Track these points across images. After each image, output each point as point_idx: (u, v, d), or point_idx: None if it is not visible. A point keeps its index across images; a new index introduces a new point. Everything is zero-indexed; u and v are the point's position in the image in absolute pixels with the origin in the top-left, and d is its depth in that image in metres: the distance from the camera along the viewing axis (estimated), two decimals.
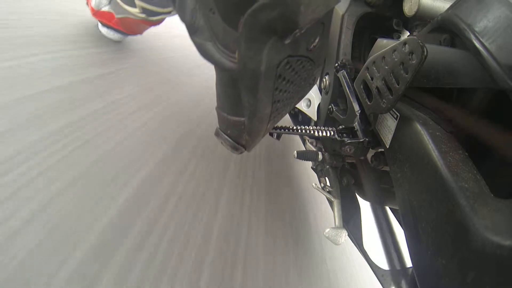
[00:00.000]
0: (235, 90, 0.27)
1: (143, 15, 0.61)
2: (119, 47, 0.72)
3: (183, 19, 0.28)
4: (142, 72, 0.70)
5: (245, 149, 0.32)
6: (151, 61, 0.78)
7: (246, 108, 0.27)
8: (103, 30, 0.69)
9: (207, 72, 0.92)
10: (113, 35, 0.70)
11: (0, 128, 0.36)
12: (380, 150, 0.40)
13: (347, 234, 0.47)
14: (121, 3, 0.61)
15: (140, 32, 0.72)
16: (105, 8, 0.63)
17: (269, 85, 0.26)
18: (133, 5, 0.60)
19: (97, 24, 0.70)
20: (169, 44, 0.97)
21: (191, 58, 0.95)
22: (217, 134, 0.33)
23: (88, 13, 0.66)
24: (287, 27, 0.22)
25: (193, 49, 0.28)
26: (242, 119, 0.29)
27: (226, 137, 0.32)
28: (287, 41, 0.23)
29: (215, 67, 0.29)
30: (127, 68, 0.67)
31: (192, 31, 0.28)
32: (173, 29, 1.00)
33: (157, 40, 0.91)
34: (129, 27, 0.67)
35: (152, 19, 0.63)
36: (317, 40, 0.27)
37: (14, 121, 0.38)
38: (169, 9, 0.62)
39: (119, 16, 0.63)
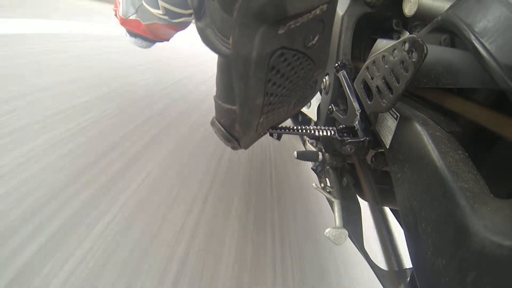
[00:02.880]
0: (230, 77, 0.28)
1: (166, 17, 0.61)
2: None
3: (192, 5, 0.29)
4: None
5: (239, 144, 0.32)
6: None
7: (238, 96, 0.27)
8: (131, 40, 0.70)
9: None
10: (141, 43, 0.70)
11: None
12: (380, 150, 0.40)
13: (347, 234, 0.47)
14: (146, 6, 0.61)
15: (167, 38, 0.72)
16: (132, 17, 0.64)
17: (261, 75, 0.26)
18: (156, 7, 0.60)
19: (125, 34, 0.70)
20: None
21: None
22: (212, 123, 0.34)
23: None
24: (277, 13, 0.22)
25: None
26: (234, 107, 0.29)
27: (220, 126, 0.32)
28: (280, 31, 0.23)
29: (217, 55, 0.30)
30: None
31: (198, 17, 0.28)
32: None
33: None
34: (156, 33, 0.67)
35: (175, 21, 0.63)
36: (316, 38, 0.27)
37: None
38: (191, 11, 0.62)
39: (146, 23, 0.63)
